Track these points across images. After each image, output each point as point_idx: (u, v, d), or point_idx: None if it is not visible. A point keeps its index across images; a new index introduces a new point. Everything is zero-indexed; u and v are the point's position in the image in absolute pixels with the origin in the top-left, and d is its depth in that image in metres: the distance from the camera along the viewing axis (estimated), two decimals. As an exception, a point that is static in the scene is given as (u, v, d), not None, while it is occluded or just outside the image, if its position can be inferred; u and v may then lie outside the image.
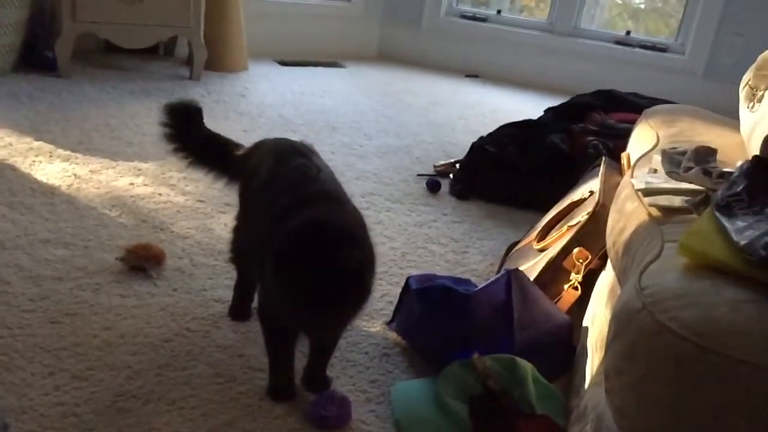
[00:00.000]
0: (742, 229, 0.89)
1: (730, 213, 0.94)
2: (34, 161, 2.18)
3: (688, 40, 4.05)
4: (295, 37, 4.19)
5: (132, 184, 2.13)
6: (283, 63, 4.01)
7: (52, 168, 2.16)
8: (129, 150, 2.39)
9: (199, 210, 2.04)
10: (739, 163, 1.03)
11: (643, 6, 4.83)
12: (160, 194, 2.09)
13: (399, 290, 1.63)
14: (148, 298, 1.57)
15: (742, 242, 0.86)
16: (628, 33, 4.27)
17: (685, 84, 3.92)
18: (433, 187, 2.45)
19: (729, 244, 0.89)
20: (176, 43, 3.70)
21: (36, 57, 3.10)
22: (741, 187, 0.96)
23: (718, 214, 0.95)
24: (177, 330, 1.48)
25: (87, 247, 1.74)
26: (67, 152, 2.28)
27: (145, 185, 2.13)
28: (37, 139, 2.35)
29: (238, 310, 1.54)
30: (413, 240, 2.06)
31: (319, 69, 4.05)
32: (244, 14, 3.68)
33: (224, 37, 3.58)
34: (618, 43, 4.20)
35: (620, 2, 4.84)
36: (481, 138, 2.57)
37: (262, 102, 3.20)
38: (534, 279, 1.54)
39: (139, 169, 2.24)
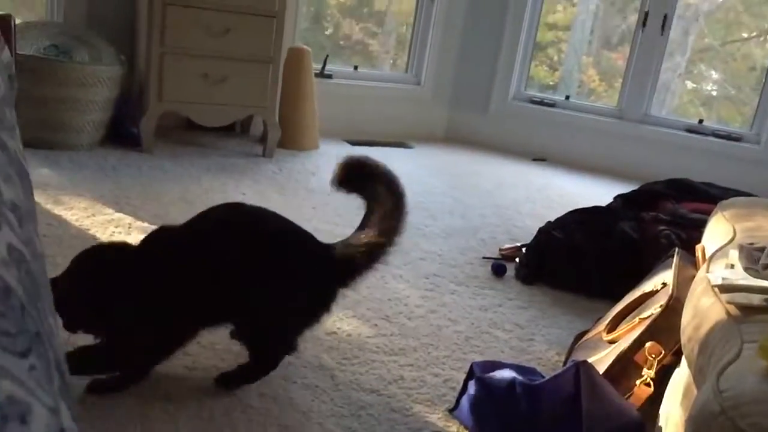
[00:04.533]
0: (828, 334, 0.85)
1: (815, 316, 0.90)
2: (113, 232, 2.28)
3: (764, 129, 3.98)
4: (365, 118, 4.32)
5: (204, 257, 2.19)
6: (353, 142, 4.12)
7: (131, 240, 2.24)
8: (203, 224, 2.47)
9: (267, 285, 2.07)
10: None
11: (715, 93, 4.79)
12: (229, 268, 2.14)
13: (462, 376, 1.61)
14: (214, 372, 1.59)
15: (829, 348, 0.82)
16: (700, 121, 4.22)
17: (761, 175, 3.82)
18: (498, 270, 2.43)
19: (815, 349, 0.85)
20: (252, 122, 3.86)
21: (122, 133, 3.28)
22: (826, 288, 0.93)
23: (802, 317, 0.91)
24: (240, 407, 1.48)
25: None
26: (145, 224, 2.38)
27: (216, 259, 2.19)
28: (117, 211, 2.46)
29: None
30: (477, 324, 2.04)
31: (388, 149, 4.14)
32: (317, 95, 3.83)
33: (297, 118, 3.72)
34: (690, 131, 4.16)
35: (691, 89, 4.82)
36: (549, 223, 2.55)
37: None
38: (603, 372, 1.50)
39: (211, 243, 2.30)
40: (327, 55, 4.19)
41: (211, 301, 1.46)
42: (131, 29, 3.45)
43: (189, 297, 1.44)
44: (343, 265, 1.60)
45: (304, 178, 3.24)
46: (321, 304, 1.58)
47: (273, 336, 1.55)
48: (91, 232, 2.26)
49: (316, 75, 3.96)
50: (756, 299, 1.09)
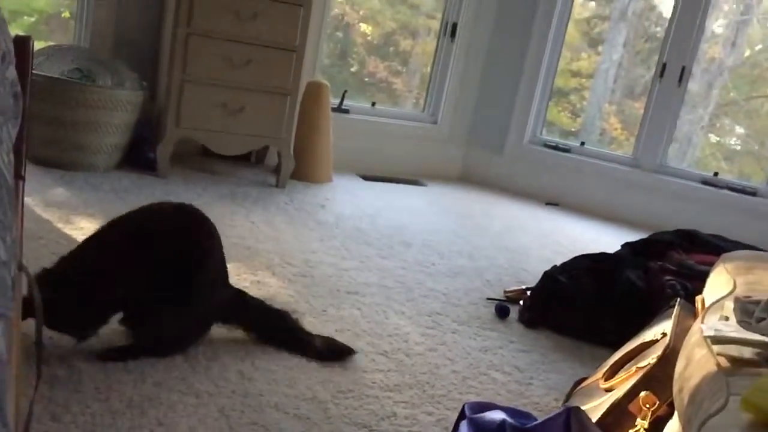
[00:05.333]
0: (813, 391, 0.84)
1: (801, 372, 0.89)
2: (121, 253, 2.30)
3: (778, 185, 3.96)
4: (380, 154, 4.35)
5: (207, 283, 2.20)
6: (366, 178, 4.15)
7: (136, 261, 2.26)
8: (210, 250, 2.49)
9: (268, 314, 2.08)
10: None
11: (739, 147, 4.78)
12: (232, 295, 2.15)
13: (456, 416, 1.59)
14: (206, 398, 1.59)
15: (812, 405, 0.81)
16: (716, 174, 4.21)
17: (774, 230, 3.80)
18: (501, 312, 2.42)
19: (798, 405, 0.84)
20: (267, 153, 3.91)
21: (139, 157, 3.33)
22: (815, 345, 0.92)
23: (788, 372, 0.90)
24: (229, 433, 1.48)
25: (156, 340, 1.80)
26: (153, 247, 2.40)
27: (220, 285, 2.20)
28: (127, 233, 2.48)
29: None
30: (476, 365, 2.02)
31: (401, 186, 4.17)
32: (334, 129, 3.87)
33: (312, 150, 3.77)
34: (705, 183, 4.15)
35: (715, 142, 4.82)
36: (555, 267, 2.55)
37: (341, 213, 3.30)
38: (597, 420, 1.48)
39: (216, 269, 2.32)
40: (345, 91, 4.25)
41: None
42: (155, 57, 3.53)
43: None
44: (236, 297, 1.88)
45: (313, 210, 3.27)
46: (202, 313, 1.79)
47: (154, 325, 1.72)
48: (99, 252, 2.28)
49: (333, 110, 4.02)
50: (747, 352, 1.08)
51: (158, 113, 3.40)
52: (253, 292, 2.20)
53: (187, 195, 3.08)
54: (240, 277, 2.29)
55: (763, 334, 1.10)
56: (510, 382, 1.97)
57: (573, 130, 4.99)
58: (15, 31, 2.06)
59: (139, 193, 2.97)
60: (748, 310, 1.19)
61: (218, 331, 1.91)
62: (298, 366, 1.82)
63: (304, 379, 1.76)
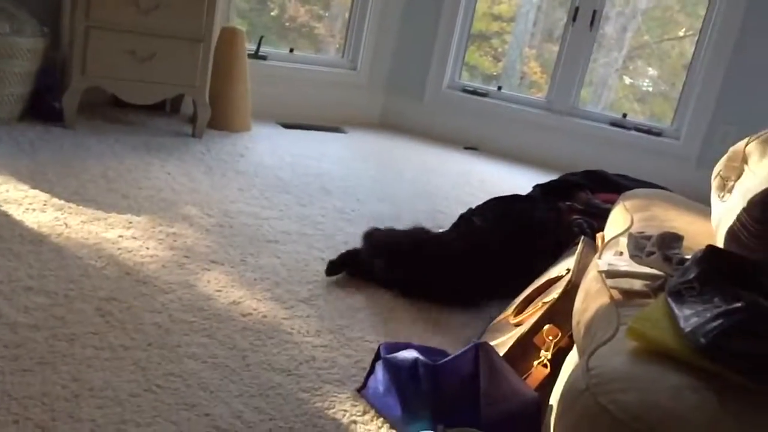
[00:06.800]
0: (689, 317, 0.91)
1: (680, 300, 0.96)
2: (27, 209, 2.22)
3: (683, 126, 4.14)
4: (299, 101, 4.30)
5: (121, 236, 2.16)
6: (286, 125, 4.10)
7: (44, 216, 2.20)
8: (123, 203, 2.44)
9: (185, 266, 2.06)
10: (693, 252, 1.06)
11: (651, 89, 4.94)
12: (147, 248, 2.12)
13: (372, 356, 1.64)
14: (122, 351, 1.58)
15: (687, 329, 0.88)
16: (624, 115, 4.36)
17: (679, 170, 3.98)
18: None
19: (676, 331, 0.91)
20: (182, 102, 3.80)
21: (43, 107, 3.18)
22: (693, 275, 0.99)
23: (669, 300, 0.97)
24: (146, 386, 1.48)
25: (68, 296, 1.77)
26: (62, 202, 2.33)
27: (134, 238, 2.17)
28: (33, 188, 2.40)
29: None
30: (394, 307, 2.07)
31: (321, 133, 4.14)
32: (251, 76, 3.79)
33: (229, 98, 3.68)
34: (614, 124, 4.30)
35: (628, 84, 4.96)
36: (470, 209, 2.61)
37: (261, 162, 3.26)
38: (504, 354, 1.55)
39: (130, 222, 2.28)
40: (261, 36, 4.15)
41: None
42: (56, 1, 3.35)
43: None
44: None
45: (232, 160, 3.22)
46: None
47: None
48: (3, 208, 2.20)
49: (250, 56, 3.92)
50: (637, 284, 1.15)
51: (63, 61, 3.24)
52: (169, 244, 2.18)
53: (99, 147, 2.98)
54: (156, 229, 2.25)
55: (651, 267, 1.18)
56: (426, 320, 2.03)
57: (495, 74, 5.04)
58: None
59: (45, 146, 2.85)
60: (640, 245, 1.27)
61: (131, 284, 1.89)
62: (216, 316, 1.82)
63: (222, 329, 1.77)
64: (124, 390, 1.45)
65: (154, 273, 1.98)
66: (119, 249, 2.08)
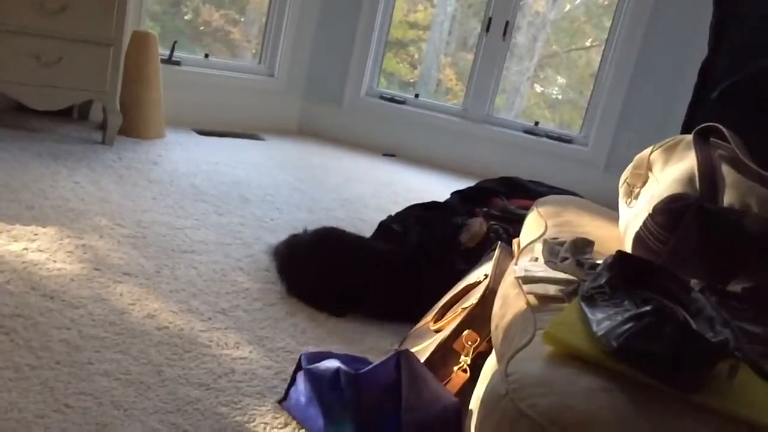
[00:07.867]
0: (601, 320, 0.94)
1: (593, 304, 1.00)
2: None
3: (591, 133, 4.31)
4: (215, 108, 4.22)
5: (26, 249, 2.06)
6: (202, 132, 4.02)
7: (-60, 229, 2.07)
8: (27, 214, 2.32)
9: (96, 279, 1.98)
10: (604, 257, 1.10)
11: (560, 97, 5.12)
12: (54, 261, 2.03)
13: (294, 367, 1.62)
14: (28, 371, 1.51)
15: (600, 333, 0.92)
16: (536, 123, 4.50)
17: (588, 175, 4.14)
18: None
19: (589, 334, 0.94)
20: (91, 107, 3.67)
21: (-61, 113, 3.00)
22: (604, 279, 1.03)
23: (582, 305, 1.00)
24: (54, 406, 1.42)
25: (-33, 314, 1.67)
26: (-40, 213, 2.20)
27: (40, 251, 2.07)
28: (-72, 199, 2.26)
29: None
30: (315, 317, 2.06)
31: (238, 140, 4.07)
32: (164, 82, 3.70)
33: (141, 104, 3.57)
34: (527, 132, 4.43)
35: (539, 92, 5.12)
36: (390, 217, 2.63)
37: (176, 170, 3.18)
38: (425, 360, 1.57)
39: (36, 234, 2.17)
40: (175, 41, 4.05)
41: None
42: (-48, 1, 3.17)
43: None
44: None
45: (145, 168, 3.13)
46: None
47: None
48: None
49: (163, 61, 3.82)
50: (552, 289, 1.18)
51: (-40, 64, 3.06)
52: (79, 256, 2.09)
53: (1, 155, 2.83)
54: (63, 241, 2.16)
55: (565, 272, 1.22)
56: (347, 329, 2.02)
57: (411, 80, 5.10)
58: None
59: (-59, 154, 2.69)
60: (554, 251, 1.30)
61: (37, 299, 1.80)
62: (130, 330, 1.76)
63: (136, 344, 1.71)
64: (30, 411, 1.38)
65: (63, 287, 1.89)
66: (24, 262, 1.98)
